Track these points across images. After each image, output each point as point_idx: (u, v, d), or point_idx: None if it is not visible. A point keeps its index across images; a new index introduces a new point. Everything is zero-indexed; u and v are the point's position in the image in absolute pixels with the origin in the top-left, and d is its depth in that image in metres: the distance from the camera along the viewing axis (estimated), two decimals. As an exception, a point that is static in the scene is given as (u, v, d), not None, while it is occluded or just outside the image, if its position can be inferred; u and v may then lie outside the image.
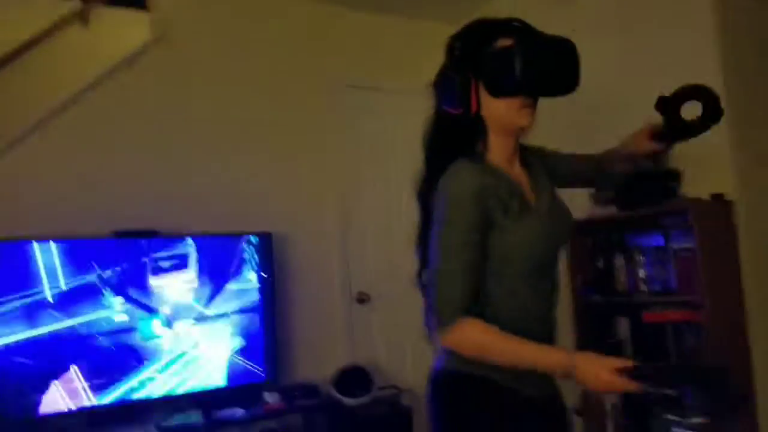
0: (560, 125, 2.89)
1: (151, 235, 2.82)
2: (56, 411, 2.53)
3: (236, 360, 2.89)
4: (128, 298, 2.71)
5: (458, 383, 1.30)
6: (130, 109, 3.10)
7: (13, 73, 3.71)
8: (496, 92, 1.28)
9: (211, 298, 2.90)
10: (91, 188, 2.93)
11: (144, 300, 2.74)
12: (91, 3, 4.18)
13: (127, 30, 3.94)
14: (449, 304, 1.22)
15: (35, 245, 2.57)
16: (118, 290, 2.69)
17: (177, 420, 2.62)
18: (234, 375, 2.88)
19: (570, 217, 1.48)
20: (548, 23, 1.61)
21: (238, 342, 2.91)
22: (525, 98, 1.29)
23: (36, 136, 2.90)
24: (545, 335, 1.35)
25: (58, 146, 2.93)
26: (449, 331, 1.22)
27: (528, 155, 1.46)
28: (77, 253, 2.64)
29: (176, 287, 2.81)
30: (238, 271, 2.96)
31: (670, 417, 2.57)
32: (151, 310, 2.75)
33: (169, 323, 2.79)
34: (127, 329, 2.68)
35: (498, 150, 1.35)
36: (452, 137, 1.34)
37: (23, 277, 2.52)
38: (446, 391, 1.32)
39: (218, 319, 2.89)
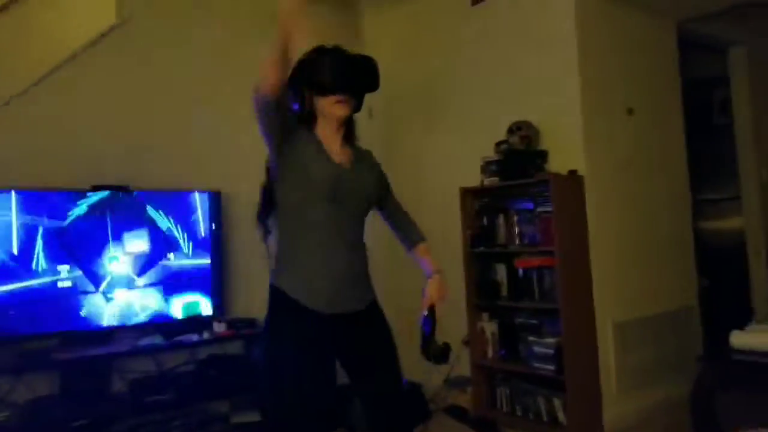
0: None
1: (124, 189, 3.30)
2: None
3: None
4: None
5: (273, 293, 1.84)
6: (101, 78, 3.51)
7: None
8: (316, 92, 1.82)
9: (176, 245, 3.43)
10: (69, 147, 3.36)
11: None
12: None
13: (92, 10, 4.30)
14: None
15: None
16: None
17: (145, 341, 3.20)
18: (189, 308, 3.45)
19: (365, 190, 1.90)
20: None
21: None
22: (338, 95, 1.82)
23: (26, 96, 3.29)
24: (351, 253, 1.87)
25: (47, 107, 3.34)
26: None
27: (365, 154, 1.99)
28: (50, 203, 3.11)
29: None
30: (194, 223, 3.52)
31: (531, 338, 3.37)
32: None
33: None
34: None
35: (321, 131, 1.87)
36: (300, 120, 1.86)
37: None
38: (269, 298, 1.86)
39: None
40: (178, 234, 3.47)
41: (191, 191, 3.56)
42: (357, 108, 1.91)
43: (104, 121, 3.50)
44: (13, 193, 3.04)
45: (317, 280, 1.80)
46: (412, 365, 2.52)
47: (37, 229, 3.07)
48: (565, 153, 3.42)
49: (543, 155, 3.44)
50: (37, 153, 3.26)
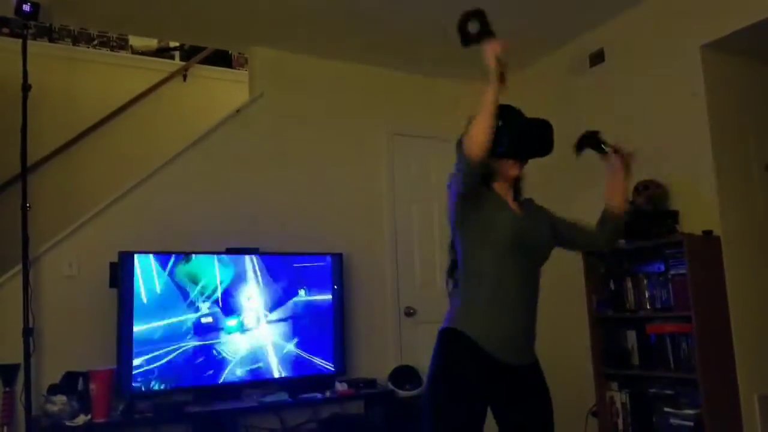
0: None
1: (253, 252, 3.52)
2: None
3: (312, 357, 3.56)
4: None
5: (448, 334, 1.88)
6: (235, 152, 3.84)
7: (131, 119, 4.54)
8: (494, 155, 1.87)
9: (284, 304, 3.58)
10: (209, 216, 3.66)
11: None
12: (189, 63, 5.02)
13: (219, 84, 4.77)
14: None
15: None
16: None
17: (270, 398, 3.30)
18: (312, 367, 3.54)
19: (544, 237, 2.01)
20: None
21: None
22: (513, 159, 1.94)
23: (162, 173, 3.65)
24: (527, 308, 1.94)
25: (184, 179, 3.70)
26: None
27: (529, 203, 2.08)
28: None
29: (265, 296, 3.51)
30: (315, 283, 3.66)
31: (667, 409, 3.15)
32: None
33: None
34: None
35: (498, 186, 1.99)
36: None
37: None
38: (441, 340, 1.89)
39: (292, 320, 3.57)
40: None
41: (315, 254, 3.71)
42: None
43: (238, 189, 3.79)
44: (151, 256, 3.33)
45: (498, 328, 1.85)
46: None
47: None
48: (697, 213, 3.27)
49: (673, 215, 3.30)
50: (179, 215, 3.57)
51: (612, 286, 3.54)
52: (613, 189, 2.13)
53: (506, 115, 1.92)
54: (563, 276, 3.88)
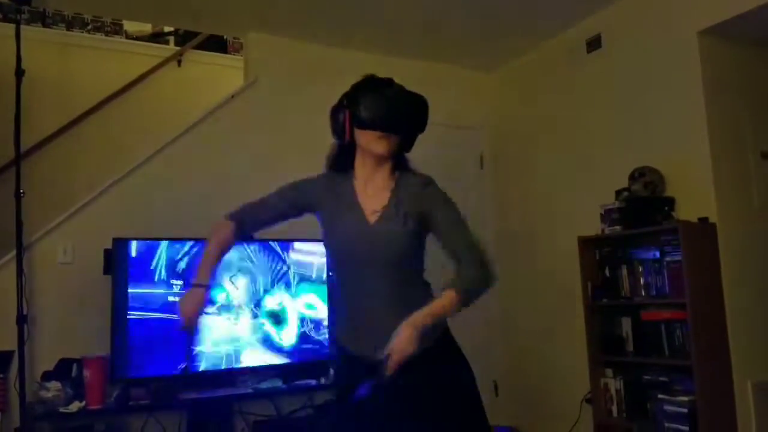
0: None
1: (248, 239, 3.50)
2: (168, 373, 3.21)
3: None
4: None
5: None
6: (230, 138, 3.80)
7: (126, 104, 4.51)
8: (357, 125, 1.75)
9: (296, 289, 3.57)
10: (204, 202, 3.62)
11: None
12: (184, 48, 4.98)
13: (214, 70, 4.74)
14: (232, 213, 2.00)
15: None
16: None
17: (265, 384, 3.30)
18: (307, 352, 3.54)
19: (392, 239, 1.75)
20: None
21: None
22: (380, 131, 1.73)
23: (157, 159, 3.62)
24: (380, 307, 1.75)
25: (176, 166, 3.67)
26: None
27: (408, 181, 1.81)
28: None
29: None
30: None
31: (661, 396, 3.15)
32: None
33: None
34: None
35: (359, 166, 1.82)
36: (336, 156, 1.88)
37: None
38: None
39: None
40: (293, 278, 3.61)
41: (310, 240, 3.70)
42: (405, 148, 1.83)
43: (234, 175, 3.76)
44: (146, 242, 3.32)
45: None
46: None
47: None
48: (693, 200, 3.26)
49: (670, 202, 3.29)
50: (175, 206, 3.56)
51: (607, 273, 3.53)
52: None
53: (374, 83, 1.80)
54: (557, 262, 3.91)
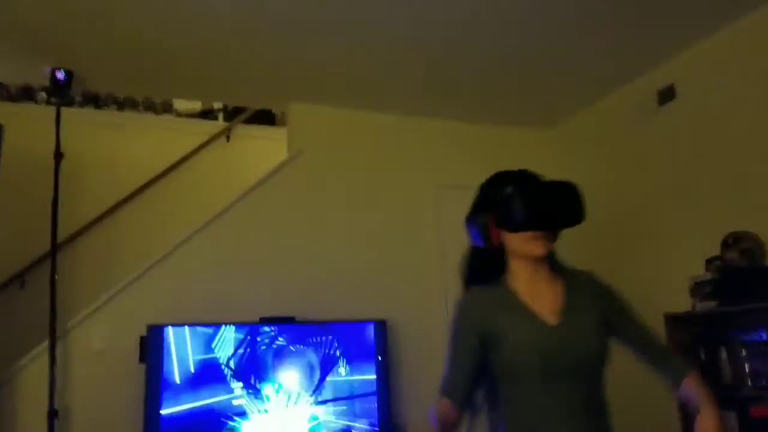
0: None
1: (289, 321, 3.23)
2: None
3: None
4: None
5: None
6: (272, 214, 3.61)
7: (173, 183, 4.43)
8: (507, 229, 1.54)
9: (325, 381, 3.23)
10: (241, 283, 3.43)
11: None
12: (233, 123, 4.92)
13: (262, 144, 4.62)
14: (439, 389, 1.52)
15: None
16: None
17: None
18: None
19: (597, 344, 1.54)
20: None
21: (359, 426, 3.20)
22: (534, 231, 1.52)
23: (202, 237, 3.46)
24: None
25: (218, 246, 3.50)
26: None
27: (579, 279, 1.64)
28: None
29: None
30: (358, 356, 3.30)
31: None
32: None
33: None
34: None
35: (519, 273, 1.58)
36: (482, 265, 1.64)
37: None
38: None
39: (336, 402, 3.20)
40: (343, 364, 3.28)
41: (359, 322, 3.38)
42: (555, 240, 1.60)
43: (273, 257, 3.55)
44: (186, 328, 3.07)
45: None
46: None
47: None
48: (804, 269, 2.74)
49: (776, 272, 2.79)
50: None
51: (703, 356, 3.00)
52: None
53: (516, 180, 1.58)
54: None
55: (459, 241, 3.93)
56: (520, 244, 1.55)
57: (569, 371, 1.48)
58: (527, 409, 1.49)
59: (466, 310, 1.61)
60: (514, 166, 1.70)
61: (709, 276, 2.96)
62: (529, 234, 1.53)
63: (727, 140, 3.14)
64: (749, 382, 2.81)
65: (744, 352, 2.84)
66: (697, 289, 2.99)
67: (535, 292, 1.57)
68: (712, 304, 2.90)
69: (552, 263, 1.62)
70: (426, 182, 4.00)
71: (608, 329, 1.57)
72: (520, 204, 1.50)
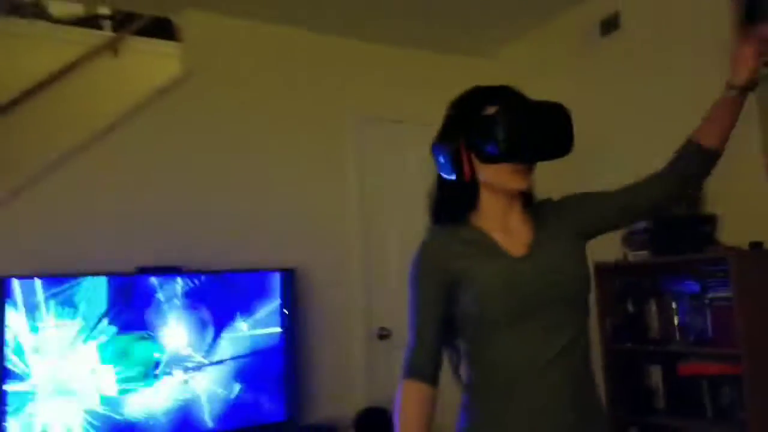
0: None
1: (174, 271, 2.79)
2: None
3: (256, 399, 2.85)
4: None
5: None
6: (154, 144, 3.10)
7: (46, 102, 3.76)
8: (483, 159, 1.30)
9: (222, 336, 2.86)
10: (117, 223, 2.92)
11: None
12: (122, 34, 4.24)
13: (156, 60, 4.00)
14: (404, 363, 1.31)
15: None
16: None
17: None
18: (253, 414, 2.83)
19: (573, 268, 1.36)
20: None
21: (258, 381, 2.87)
22: (515, 163, 1.30)
23: (62, 169, 2.89)
24: (559, 384, 1.27)
25: (84, 179, 2.93)
26: (399, 387, 1.30)
27: (542, 209, 1.44)
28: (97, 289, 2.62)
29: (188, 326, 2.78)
30: (258, 308, 2.93)
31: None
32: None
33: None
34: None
35: (489, 209, 1.37)
36: (450, 199, 1.39)
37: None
38: None
39: (233, 359, 2.85)
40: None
41: (262, 271, 3.00)
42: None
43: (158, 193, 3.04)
44: (36, 280, 2.55)
45: None
46: None
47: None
48: (742, 219, 2.58)
49: (712, 222, 2.61)
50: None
51: (630, 307, 2.85)
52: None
53: (498, 98, 1.33)
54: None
55: (383, 180, 3.70)
56: (498, 177, 1.32)
57: (545, 306, 1.28)
58: (497, 366, 1.28)
59: (423, 253, 1.37)
60: (450, 97, 1.35)
61: (642, 224, 2.76)
62: (510, 165, 1.30)
63: (671, 75, 2.90)
64: (677, 337, 2.67)
65: (674, 305, 2.70)
66: (630, 237, 2.80)
67: (506, 230, 1.37)
68: (645, 254, 2.72)
69: (527, 199, 1.41)
70: (345, 113, 3.58)
71: (589, 229, 1.42)
72: (503, 129, 1.25)
